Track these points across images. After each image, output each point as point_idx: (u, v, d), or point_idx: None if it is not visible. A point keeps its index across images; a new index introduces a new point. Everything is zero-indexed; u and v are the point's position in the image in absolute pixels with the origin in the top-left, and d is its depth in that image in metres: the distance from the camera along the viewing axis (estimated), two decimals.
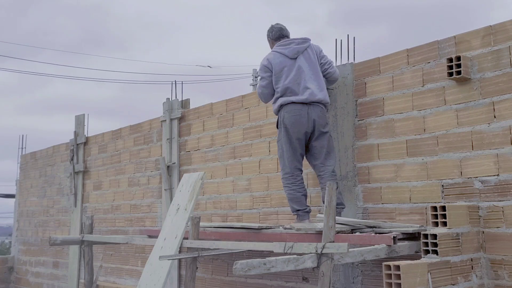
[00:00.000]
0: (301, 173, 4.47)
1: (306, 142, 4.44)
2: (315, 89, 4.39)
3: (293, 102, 4.39)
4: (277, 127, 4.56)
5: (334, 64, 4.63)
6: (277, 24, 4.78)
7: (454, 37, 3.89)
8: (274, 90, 4.55)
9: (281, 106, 4.46)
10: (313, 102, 4.37)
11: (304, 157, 4.52)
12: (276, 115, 4.56)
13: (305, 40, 4.58)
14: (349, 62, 4.65)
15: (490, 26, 3.70)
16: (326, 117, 4.47)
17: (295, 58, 4.49)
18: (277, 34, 4.72)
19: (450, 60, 3.75)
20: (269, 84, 4.57)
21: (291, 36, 4.73)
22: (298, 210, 4.40)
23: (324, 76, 4.54)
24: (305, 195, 4.44)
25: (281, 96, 4.47)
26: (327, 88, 4.55)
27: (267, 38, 4.81)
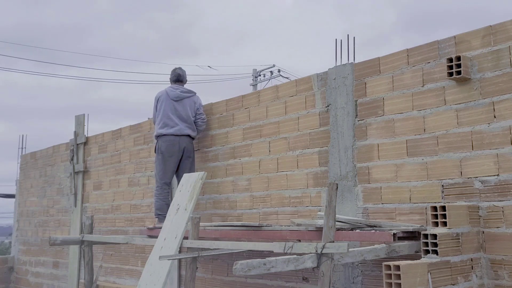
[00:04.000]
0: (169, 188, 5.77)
1: (177, 163, 5.66)
2: (182, 127, 5.63)
3: (165, 134, 5.63)
4: (155, 152, 5.77)
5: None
6: (179, 68, 5.98)
7: (454, 37, 3.89)
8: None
9: (157, 136, 5.69)
10: (182, 135, 5.62)
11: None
12: (156, 139, 5.77)
13: (190, 92, 5.83)
14: (349, 62, 4.65)
15: (490, 26, 3.70)
16: (192, 145, 5.74)
17: (176, 101, 5.71)
18: (174, 78, 5.92)
19: (450, 60, 3.75)
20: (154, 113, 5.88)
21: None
22: (159, 215, 5.58)
23: (194, 123, 5.75)
24: (168, 204, 5.50)
25: (158, 129, 5.71)
26: (197, 132, 5.79)
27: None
